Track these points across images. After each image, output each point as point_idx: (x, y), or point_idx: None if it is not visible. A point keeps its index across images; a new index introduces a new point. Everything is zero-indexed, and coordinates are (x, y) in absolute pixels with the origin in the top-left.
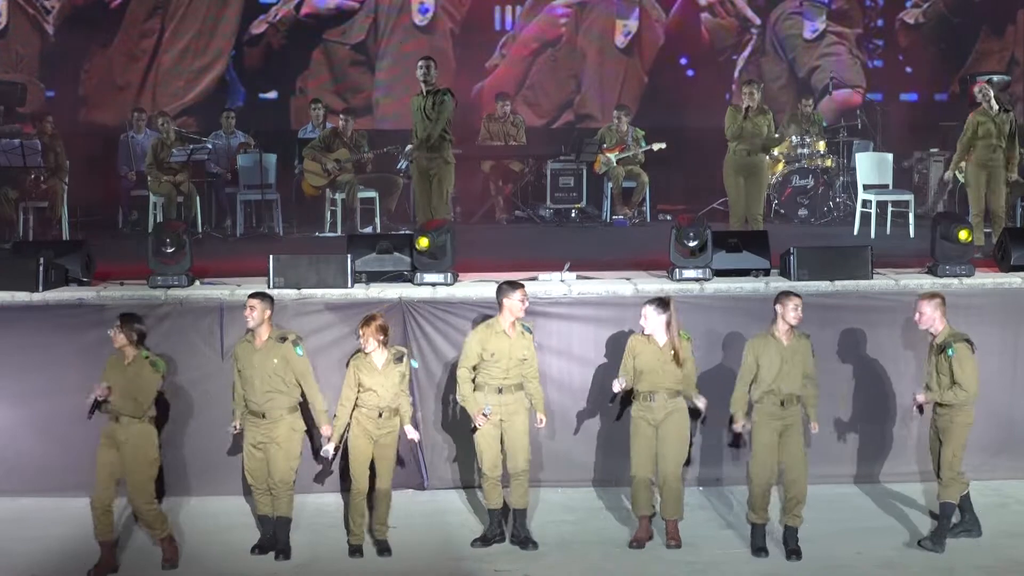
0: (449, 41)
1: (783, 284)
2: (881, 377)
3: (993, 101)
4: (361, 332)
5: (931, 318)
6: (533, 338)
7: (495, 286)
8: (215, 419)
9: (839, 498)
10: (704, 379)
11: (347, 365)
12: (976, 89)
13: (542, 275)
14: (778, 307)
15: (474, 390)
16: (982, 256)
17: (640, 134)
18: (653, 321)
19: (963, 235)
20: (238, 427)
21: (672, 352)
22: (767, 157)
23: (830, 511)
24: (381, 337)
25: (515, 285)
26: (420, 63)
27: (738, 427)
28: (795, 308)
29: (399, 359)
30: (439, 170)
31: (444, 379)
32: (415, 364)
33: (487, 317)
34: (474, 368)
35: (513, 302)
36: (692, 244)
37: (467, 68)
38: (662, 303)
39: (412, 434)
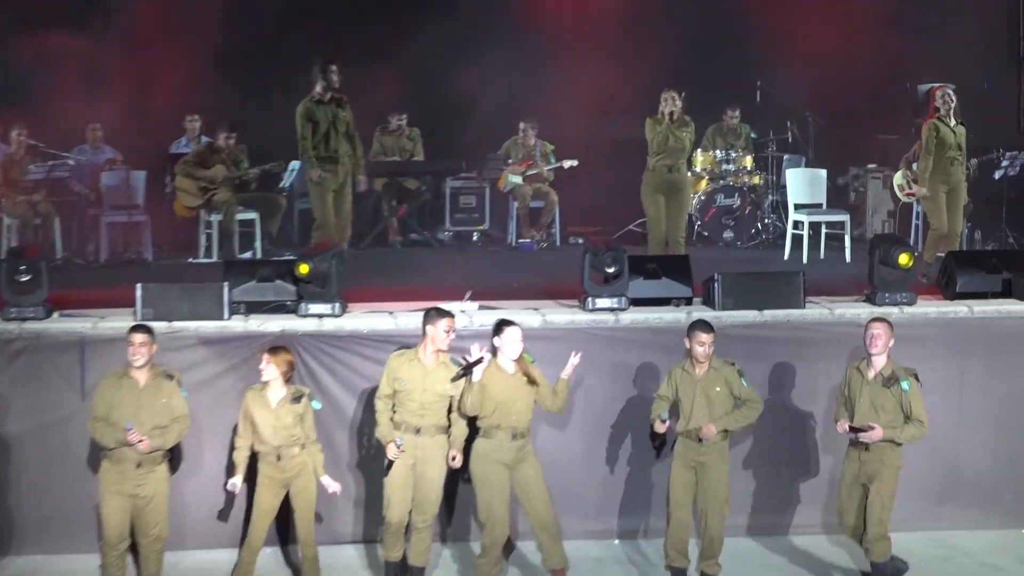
0: None
1: (706, 314)
2: (809, 418)
3: (954, 111)
4: (264, 360)
5: (887, 344)
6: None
7: (388, 317)
8: (75, 466)
9: (747, 552)
10: (617, 418)
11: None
12: (939, 94)
13: (441, 305)
14: (687, 340)
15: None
16: (927, 282)
17: (549, 148)
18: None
19: (903, 259)
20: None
21: (524, 377)
22: (689, 174)
23: (748, 564)
24: (284, 370)
25: (442, 313)
26: (331, 66)
27: (660, 427)
28: (702, 344)
29: (296, 399)
30: (341, 186)
31: (332, 421)
32: (317, 406)
33: (399, 350)
34: (390, 399)
35: (437, 331)
36: (607, 270)
37: None
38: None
39: (332, 486)
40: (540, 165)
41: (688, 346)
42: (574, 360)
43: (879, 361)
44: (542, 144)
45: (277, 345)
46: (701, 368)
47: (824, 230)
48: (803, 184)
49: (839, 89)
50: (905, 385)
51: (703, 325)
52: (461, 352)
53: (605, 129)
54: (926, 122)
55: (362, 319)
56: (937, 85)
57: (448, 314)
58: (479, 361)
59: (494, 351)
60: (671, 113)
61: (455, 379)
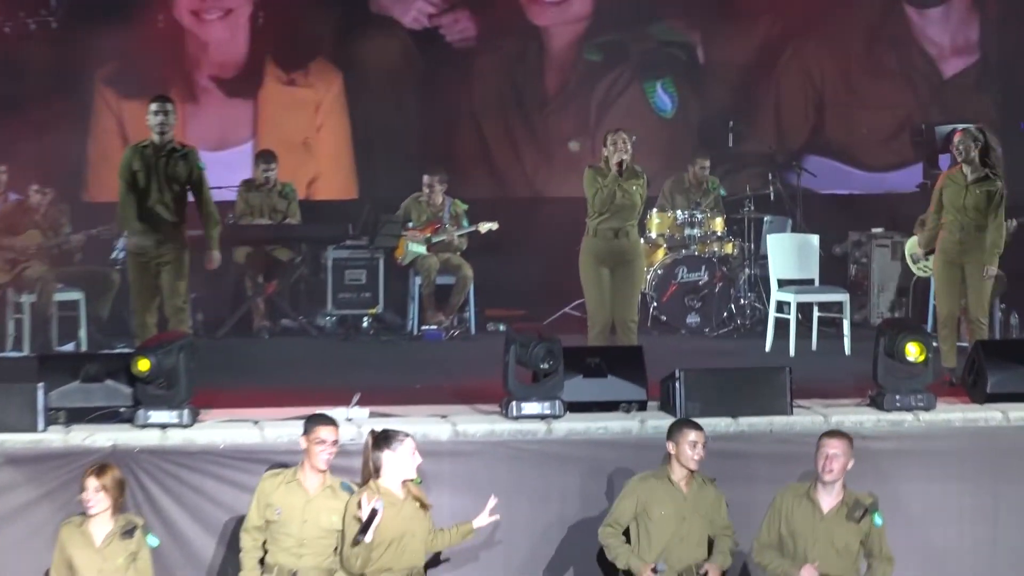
0: None
1: (665, 422)
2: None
3: (970, 160)
4: (85, 485)
5: (845, 467)
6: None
7: (253, 428)
8: None
9: None
10: (551, 558)
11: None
12: (956, 139)
13: (321, 412)
14: (671, 444)
15: (262, 574)
16: (954, 380)
17: (461, 208)
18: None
19: (915, 351)
20: None
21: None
22: (642, 240)
23: None
24: (116, 495)
25: (322, 420)
26: (152, 105)
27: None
28: (694, 445)
29: (128, 532)
30: (174, 259)
31: (178, 561)
32: (154, 543)
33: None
34: (261, 532)
35: (312, 445)
36: (538, 366)
37: None
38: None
39: None
40: (449, 230)
41: (675, 450)
42: (491, 505)
43: (835, 488)
44: (452, 203)
45: (104, 463)
46: (687, 483)
47: (816, 313)
48: (789, 254)
49: (837, 130)
50: (877, 519)
51: (689, 423)
52: (351, 475)
53: (533, 183)
54: (943, 175)
55: (219, 430)
56: (960, 127)
57: (329, 422)
58: (374, 515)
59: (376, 470)
60: (619, 163)
61: (353, 545)
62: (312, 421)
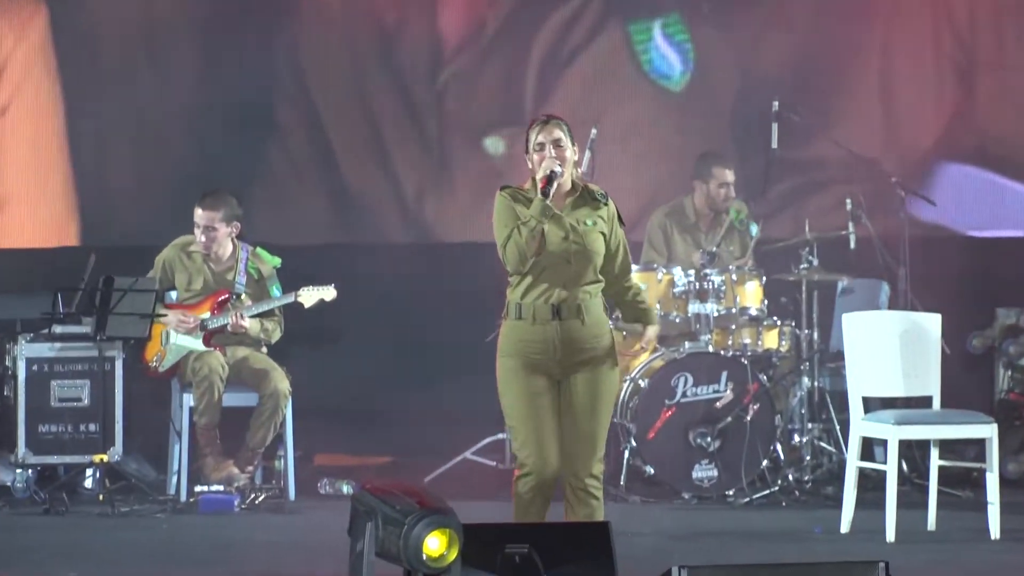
0: None
1: None
2: None
3: None
4: None
5: None
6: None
7: None
8: None
9: None
10: None
11: None
12: None
13: None
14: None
15: None
16: None
17: (269, 264)
18: None
19: None
20: None
21: None
22: (611, 325)
23: None
24: None
25: None
26: None
27: None
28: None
29: None
30: None
31: None
32: None
33: None
34: None
35: None
36: (419, 562)
37: None
38: None
39: None
40: (244, 304)
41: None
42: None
43: None
44: (251, 255)
45: None
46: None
47: (936, 461)
48: (886, 351)
49: (998, 120)
50: None
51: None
52: None
53: (414, 218)
54: None
55: None
56: None
57: None
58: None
59: None
60: (547, 178)
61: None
62: None
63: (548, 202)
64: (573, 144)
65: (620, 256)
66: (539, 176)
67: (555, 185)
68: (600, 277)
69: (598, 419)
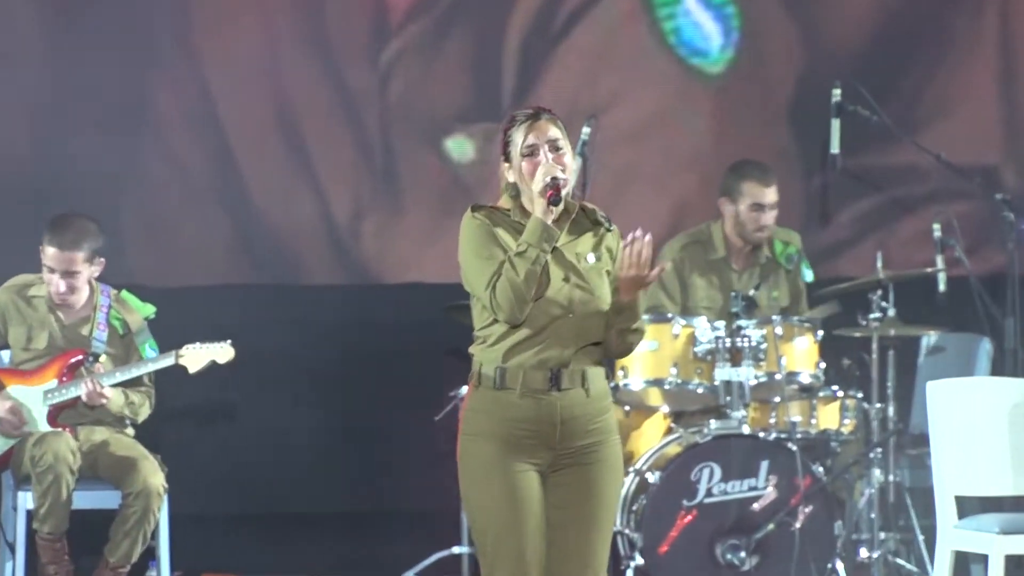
0: None
1: None
2: None
3: None
4: None
5: None
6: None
7: None
8: None
9: None
10: None
11: None
12: None
13: None
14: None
15: None
16: None
17: (141, 315)
18: None
19: None
20: None
21: None
22: (610, 399)
23: None
24: None
25: None
26: None
27: None
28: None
29: None
30: None
31: None
32: None
33: None
34: None
35: None
36: None
37: None
38: None
39: None
40: (97, 369)
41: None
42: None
43: None
44: (113, 302)
45: None
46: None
47: None
48: (987, 431)
49: None
50: None
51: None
52: None
53: (348, 252)
54: None
55: None
56: None
57: None
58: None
59: None
60: (554, 189)
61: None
62: None
63: (551, 221)
64: (572, 148)
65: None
66: (536, 187)
67: (564, 196)
68: (603, 331)
69: (599, 529)
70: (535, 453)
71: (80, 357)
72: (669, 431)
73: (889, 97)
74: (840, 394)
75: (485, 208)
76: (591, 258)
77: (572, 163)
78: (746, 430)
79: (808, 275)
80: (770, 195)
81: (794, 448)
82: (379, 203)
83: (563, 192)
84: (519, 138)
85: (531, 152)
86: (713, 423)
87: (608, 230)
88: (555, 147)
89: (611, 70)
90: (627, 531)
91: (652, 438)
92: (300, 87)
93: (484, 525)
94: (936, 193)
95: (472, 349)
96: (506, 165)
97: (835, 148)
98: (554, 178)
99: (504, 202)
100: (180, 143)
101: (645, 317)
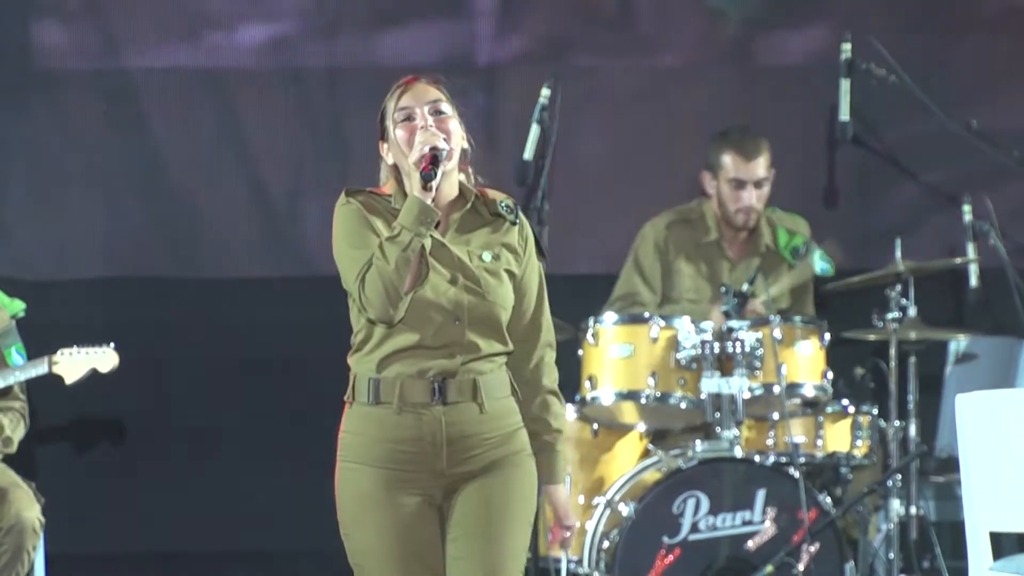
0: None
1: None
2: None
3: None
4: None
5: None
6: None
7: None
8: None
9: None
10: None
11: None
12: None
13: None
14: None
15: None
16: None
17: (13, 311)
18: None
19: None
20: None
21: None
22: (572, 412)
23: None
24: None
25: None
26: None
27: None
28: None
29: None
30: None
31: None
32: None
33: None
34: None
35: None
36: None
37: None
38: None
39: None
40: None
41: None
42: None
43: None
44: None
45: None
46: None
47: None
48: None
49: None
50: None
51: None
52: None
53: (272, 245)
54: None
55: None
56: None
57: None
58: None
59: None
60: (431, 161)
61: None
62: None
63: (431, 200)
64: (460, 117)
65: (529, 308)
66: (412, 157)
67: (442, 169)
68: (507, 340)
69: (503, 538)
70: (420, 482)
71: None
72: (646, 454)
73: (909, 51)
74: (852, 410)
75: (363, 192)
76: (487, 256)
77: (461, 133)
78: (739, 453)
79: (826, 268)
80: (755, 169)
81: (796, 475)
82: (325, 179)
83: (445, 165)
84: (391, 105)
85: (407, 117)
86: (699, 445)
87: (513, 223)
88: (436, 110)
89: (594, 14)
90: (596, 574)
91: (626, 463)
92: (227, 38)
93: (363, 560)
94: (967, 170)
95: (349, 359)
96: (384, 145)
97: (844, 115)
98: (433, 148)
99: (388, 187)
100: (71, 108)
101: (616, 316)
